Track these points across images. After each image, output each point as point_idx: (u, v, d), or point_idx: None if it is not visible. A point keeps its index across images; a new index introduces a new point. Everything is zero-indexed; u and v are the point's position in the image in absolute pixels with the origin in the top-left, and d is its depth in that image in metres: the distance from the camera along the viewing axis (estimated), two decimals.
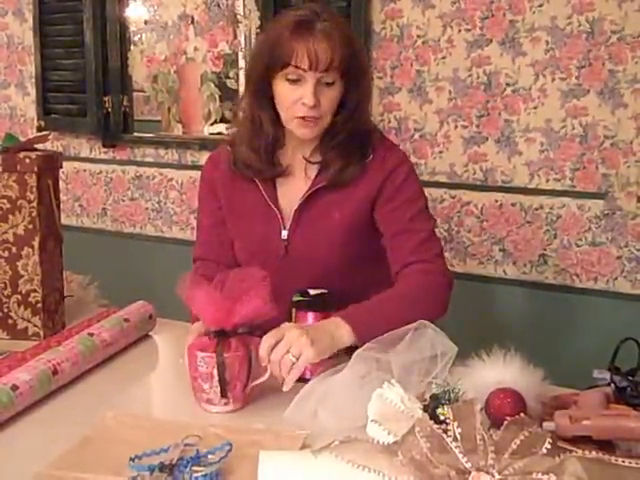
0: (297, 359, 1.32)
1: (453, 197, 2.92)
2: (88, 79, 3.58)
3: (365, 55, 1.67)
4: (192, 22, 4.29)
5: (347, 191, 1.63)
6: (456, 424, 0.94)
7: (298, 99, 1.54)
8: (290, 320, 1.49)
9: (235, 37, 4.21)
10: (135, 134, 3.75)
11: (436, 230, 1.66)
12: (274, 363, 1.33)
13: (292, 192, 1.67)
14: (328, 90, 1.55)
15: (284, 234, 1.66)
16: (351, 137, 1.62)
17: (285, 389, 1.33)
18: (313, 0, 2.95)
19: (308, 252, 1.64)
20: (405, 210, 1.62)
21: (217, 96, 4.06)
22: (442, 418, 1.14)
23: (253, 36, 4.47)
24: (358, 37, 1.71)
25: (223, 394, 1.31)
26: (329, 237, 1.63)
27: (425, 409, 1.19)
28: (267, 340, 1.34)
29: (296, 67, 1.52)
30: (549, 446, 0.92)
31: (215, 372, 1.30)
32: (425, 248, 1.60)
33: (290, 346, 1.32)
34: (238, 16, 4.63)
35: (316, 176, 1.65)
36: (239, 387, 1.33)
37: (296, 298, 1.50)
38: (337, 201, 1.63)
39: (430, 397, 1.23)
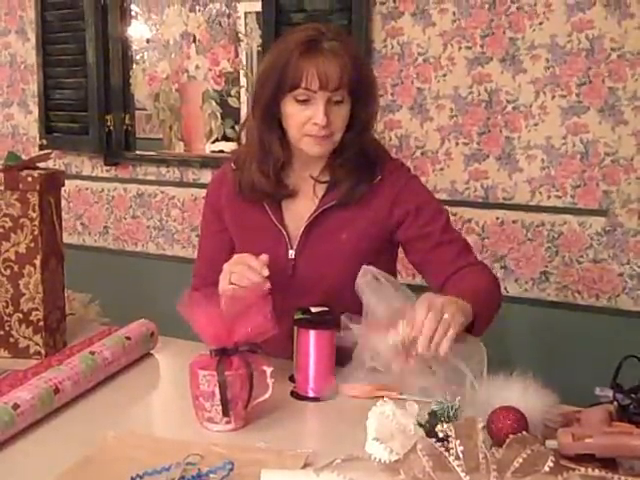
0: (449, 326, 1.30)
1: (454, 214, 2.92)
2: (90, 97, 3.60)
3: (372, 71, 1.69)
4: (194, 41, 4.32)
5: (355, 211, 1.63)
6: (458, 442, 0.94)
7: (308, 119, 1.54)
8: (293, 337, 1.49)
9: (237, 55, 4.24)
10: (137, 152, 3.77)
11: None
12: (427, 330, 1.30)
13: (298, 212, 1.67)
14: (338, 108, 1.56)
15: (291, 253, 1.65)
16: (360, 155, 1.63)
17: (442, 353, 1.30)
18: (315, 20, 2.97)
19: (315, 271, 1.64)
20: (435, 224, 1.65)
21: (218, 114, 4.09)
22: (441, 435, 1.14)
23: (255, 54, 4.49)
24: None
25: (225, 413, 1.30)
26: (336, 257, 1.63)
27: (423, 425, 1.19)
28: (421, 309, 1.32)
29: (306, 89, 1.52)
30: (552, 464, 0.91)
31: (217, 391, 1.30)
32: (467, 254, 1.65)
33: (443, 313, 1.31)
34: (240, 35, 4.66)
35: (324, 195, 1.65)
36: (240, 405, 1.32)
37: (297, 316, 1.50)
38: (345, 221, 1.63)
39: (429, 414, 1.23)
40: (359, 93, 1.58)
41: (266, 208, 1.66)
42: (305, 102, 1.54)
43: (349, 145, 1.61)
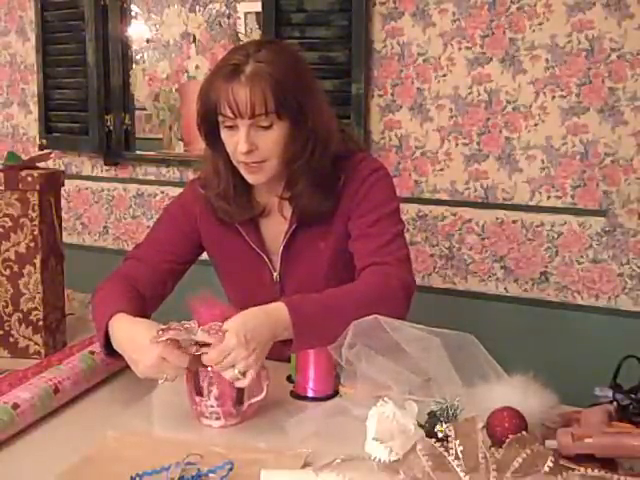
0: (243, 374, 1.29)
1: (454, 214, 2.92)
2: (90, 97, 3.60)
3: (311, 92, 1.55)
4: (194, 41, 4.32)
5: (327, 218, 1.60)
6: (458, 442, 0.94)
7: (236, 145, 1.49)
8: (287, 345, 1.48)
9: None
10: (137, 152, 3.76)
11: (405, 235, 1.61)
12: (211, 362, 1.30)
13: (275, 232, 1.64)
14: (266, 133, 1.48)
15: (275, 276, 1.64)
16: (315, 172, 1.55)
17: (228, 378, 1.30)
18: (315, 20, 2.97)
19: (301, 287, 1.56)
20: (370, 215, 1.57)
21: None
22: (440, 436, 1.14)
23: None
24: (308, 72, 1.57)
25: (198, 393, 1.34)
26: (319, 266, 1.61)
27: (423, 426, 1.19)
28: (215, 356, 1.30)
29: (225, 116, 1.48)
30: (551, 464, 0.91)
31: (205, 385, 1.33)
32: (387, 251, 1.54)
33: (236, 363, 1.29)
34: (239, 34, 4.65)
35: (292, 214, 1.60)
36: (229, 404, 1.33)
37: None
38: (319, 231, 1.60)
39: (428, 414, 1.23)
40: (291, 114, 1.49)
41: (242, 233, 1.63)
42: (232, 128, 1.49)
43: (297, 166, 1.54)
